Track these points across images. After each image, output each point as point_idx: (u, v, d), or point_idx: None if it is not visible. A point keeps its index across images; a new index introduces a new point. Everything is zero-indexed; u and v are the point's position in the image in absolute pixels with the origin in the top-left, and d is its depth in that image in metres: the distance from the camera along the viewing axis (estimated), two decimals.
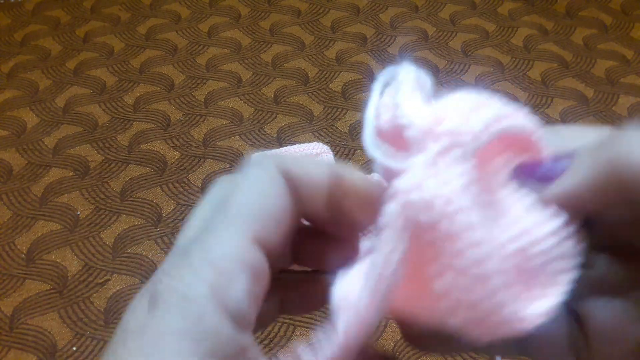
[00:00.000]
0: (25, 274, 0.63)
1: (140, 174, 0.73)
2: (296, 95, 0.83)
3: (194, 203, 0.70)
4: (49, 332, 0.58)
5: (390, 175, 0.17)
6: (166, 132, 0.78)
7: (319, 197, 0.17)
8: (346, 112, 0.81)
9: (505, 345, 0.18)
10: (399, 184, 0.16)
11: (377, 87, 0.18)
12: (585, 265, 0.17)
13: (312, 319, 0.60)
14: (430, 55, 0.90)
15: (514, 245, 0.17)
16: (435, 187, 0.16)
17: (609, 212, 0.16)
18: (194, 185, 0.72)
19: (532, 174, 0.18)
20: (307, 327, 0.59)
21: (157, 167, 0.74)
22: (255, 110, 0.81)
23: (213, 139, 0.77)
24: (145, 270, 0.63)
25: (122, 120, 0.79)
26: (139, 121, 0.79)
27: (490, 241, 0.16)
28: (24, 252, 0.65)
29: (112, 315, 0.60)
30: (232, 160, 0.74)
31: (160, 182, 0.72)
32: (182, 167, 0.73)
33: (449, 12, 0.98)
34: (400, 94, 0.18)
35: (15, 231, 0.67)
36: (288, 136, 0.77)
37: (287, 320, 0.60)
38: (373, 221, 0.17)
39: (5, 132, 0.78)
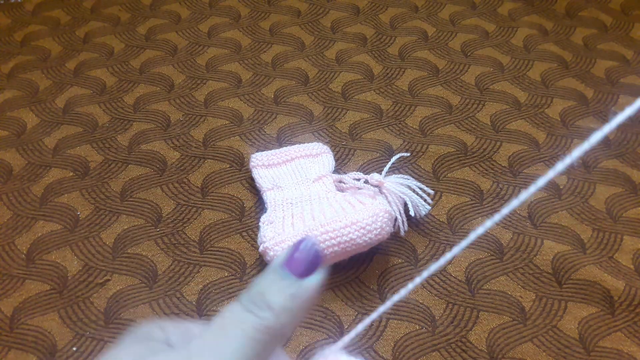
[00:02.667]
0: (25, 274, 0.63)
1: (140, 174, 0.73)
2: (296, 95, 0.83)
3: (194, 203, 0.70)
4: (49, 332, 0.58)
5: None
6: (166, 133, 0.78)
7: None
8: (346, 112, 0.81)
9: None
10: None
11: None
12: None
13: (312, 318, 0.60)
14: (430, 56, 0.90)
15: None
16: None
17: None
18: (194, 185, 0.72)
19: None
20: (307, 328, 0.59)
21: (157, 168, 0.74)
22: (255, 111, 0.81)
23: (213, 139, 0.77)
24: (145, 270, 0.63)
25: (122, 121, 0.80)
26: (139, 121, 0.79)
27: None
28: (24, 252, 0.65)
29: (112, 315, 0.60)
30: (232, 161, 0.74)
31: (160, 182, 0.72)
32: (182, 168, 0.73)
33: (449, 12, 0.98)
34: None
35: (15, 231, 0.67)
36: (288, 136, 0.77)
37: None
38: None
39: (5, 132, 0.78)
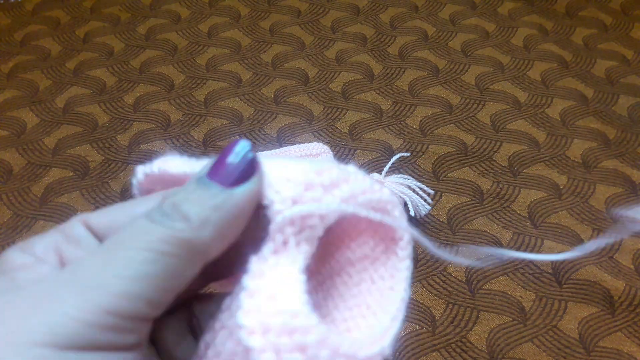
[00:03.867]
0: None
1: None
2: (296, 95, 0.83)
3: None
4: None
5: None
6: (166, 132, 0.78)
7: None
8: (346, 112, 0.81)
9: None
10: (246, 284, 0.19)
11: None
12: None
13: None
14: (430, 55, 0.90)
15: None
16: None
17: None
18: None
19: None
20: None
21: None
22: (255, 110, 0.81)
23: (213, 139, 0.77)
24: None
25: (122, 120, 0.80)
26: (139, 121, 0.79)
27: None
28: None
29: None
30: None
31: None
32: None
33: (449, 12, 0.98)
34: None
35: (15, 231, 0.67)
36: (288, 136, 0.77)
37: None
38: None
39: (5, 132, 0.78)
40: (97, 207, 0.69)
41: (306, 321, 0.18)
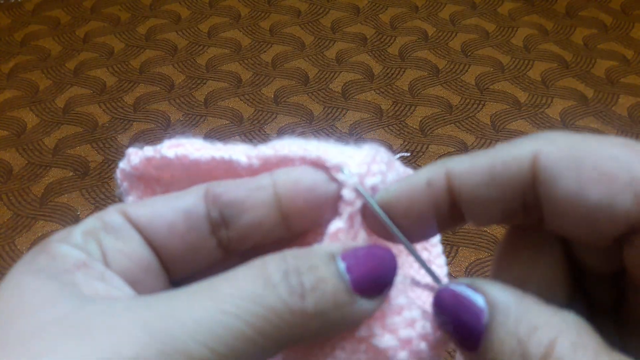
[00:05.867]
0: None
1: None
2: (296, 95, 0.83)
3: None
4: None
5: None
6: (166, 132, 0.78)
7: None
8: (346, 112, 0.81)
9: None
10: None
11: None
12: None
13: None
14: (430, 55, 0.90)
15: None
16: None
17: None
18: None
19: None
20: None
21: None
22: (255, 110, 0.81)
23: (213, 139, 0.77)
24: None
25: (122, 120, 0.80)
26: (139, 121, 0.79)
27: None
28: (24, 252, 0.65)
29: None
30: None
31: None
32: None
33: (449, 12, 0.98)
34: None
35: (15, 231, 0.67)
36: (288, 136, 0.77)
37: None
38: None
39: (5, 132, 0.78)
40: (97, 207, 0.69)
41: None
